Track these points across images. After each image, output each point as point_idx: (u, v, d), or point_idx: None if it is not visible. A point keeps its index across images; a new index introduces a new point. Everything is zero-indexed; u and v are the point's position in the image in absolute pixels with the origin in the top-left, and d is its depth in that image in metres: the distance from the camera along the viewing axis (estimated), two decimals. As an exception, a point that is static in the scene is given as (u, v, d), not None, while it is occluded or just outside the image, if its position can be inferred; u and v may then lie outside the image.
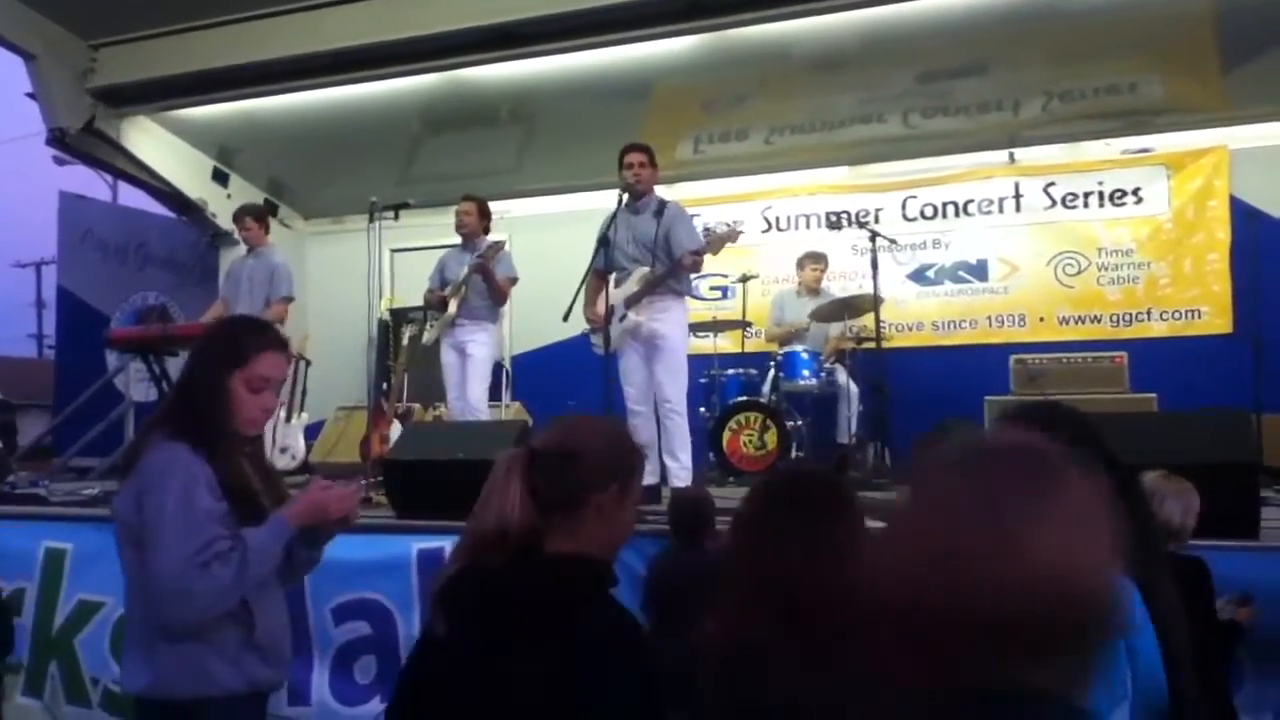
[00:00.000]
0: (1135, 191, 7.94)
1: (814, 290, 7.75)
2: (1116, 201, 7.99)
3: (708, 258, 5.86)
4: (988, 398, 6.06)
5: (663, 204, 5.94)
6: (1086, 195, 8.05)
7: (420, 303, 7.06)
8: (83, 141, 8.18)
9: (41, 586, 4.84)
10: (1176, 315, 7.73)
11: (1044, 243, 8.13)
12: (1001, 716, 0.92)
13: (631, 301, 5.72)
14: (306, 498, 2.47)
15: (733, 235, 5.93)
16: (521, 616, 1.67)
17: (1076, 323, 7.96)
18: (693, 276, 6.15)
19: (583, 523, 1.73)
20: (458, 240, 6.93)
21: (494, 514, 1.70)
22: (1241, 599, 3.16)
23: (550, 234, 8.41)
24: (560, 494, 1.72)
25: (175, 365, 7.12)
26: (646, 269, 5.77)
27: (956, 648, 0.91)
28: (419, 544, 4.29)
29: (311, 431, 8.01)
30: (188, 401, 2.49)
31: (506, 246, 6.83)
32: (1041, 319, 8.05)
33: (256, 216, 7.40)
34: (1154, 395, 6.33)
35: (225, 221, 8.87)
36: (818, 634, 1.49)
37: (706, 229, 6.74)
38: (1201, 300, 7.67)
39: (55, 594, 4.82)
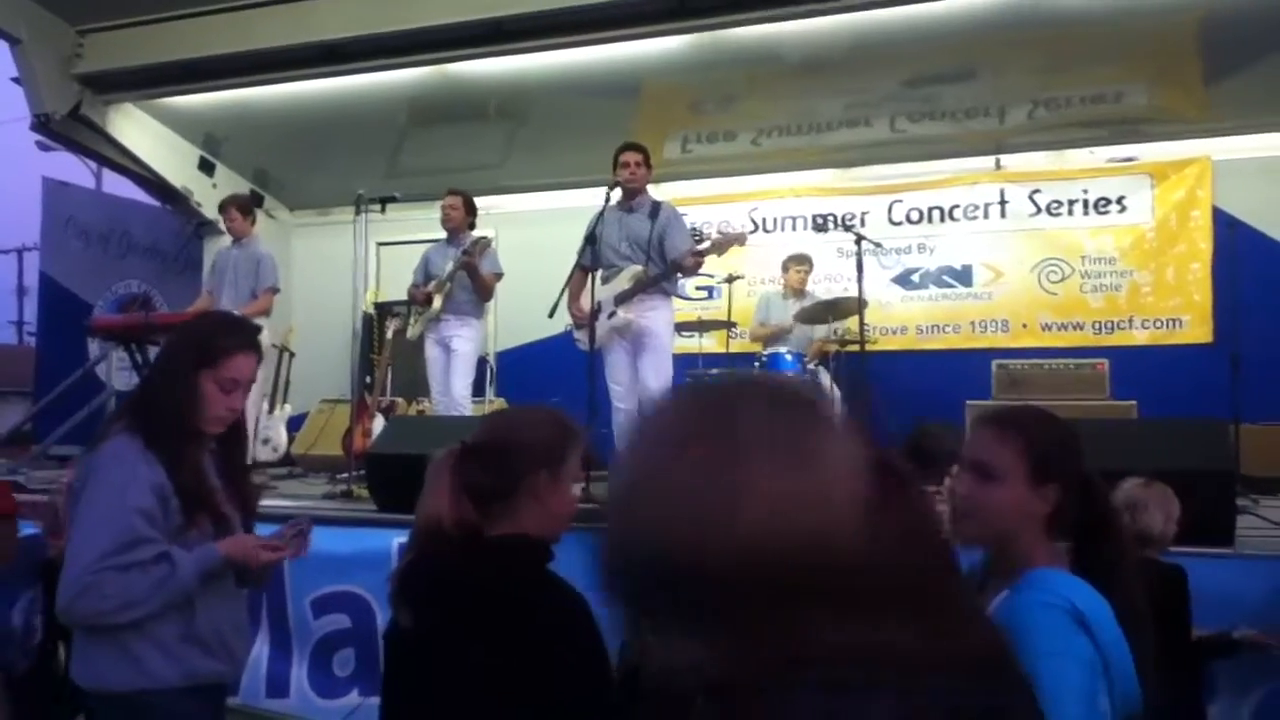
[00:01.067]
0: (1119, 200, 7.99)
1: (799, 292, 7.78)
2: (1101, 210, 8.04)
3: (709, 262, 5.91)
4: (969, 402, 6.08)
5: (657, 205, 5.97)
6: (1071, 203, 8.10)
7: (405, 296, 7.05)
8: (68, 127, 8.12)
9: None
10: (1158, 324, 7.79)
11: (1028, 249, 8.18)
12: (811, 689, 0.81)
13: (622, 299, 5.73)
14: (240, 542, 2.45)
15: (740, 238, 5.98)
16: (465, 601, 1.77)
17: (1059, 329, 8.01)
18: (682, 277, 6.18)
19: (519, 508, 1.85)
20: (443, 234, 6.93)
21: (430, 509, 1.82)
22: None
23: (536, 230, 8.42)
24: (492, 485, 1.84)
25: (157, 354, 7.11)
26: (639, 267, 5.79)
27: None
28: (399, 538, 4.29)
29: (295, 423, 7.98)
30: (151, 397, 2.46)
31: (492, 242, 6.83)
32: (1024, 325, 8.10)
33: (241, 207, 7.36)
34: (1134, 403, 6.38)
35: (210, 211, 8.83)
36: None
37: (694, 229, 6.76)
38: (1183, 309, 7.73)
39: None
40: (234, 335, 2.52)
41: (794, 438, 0.86)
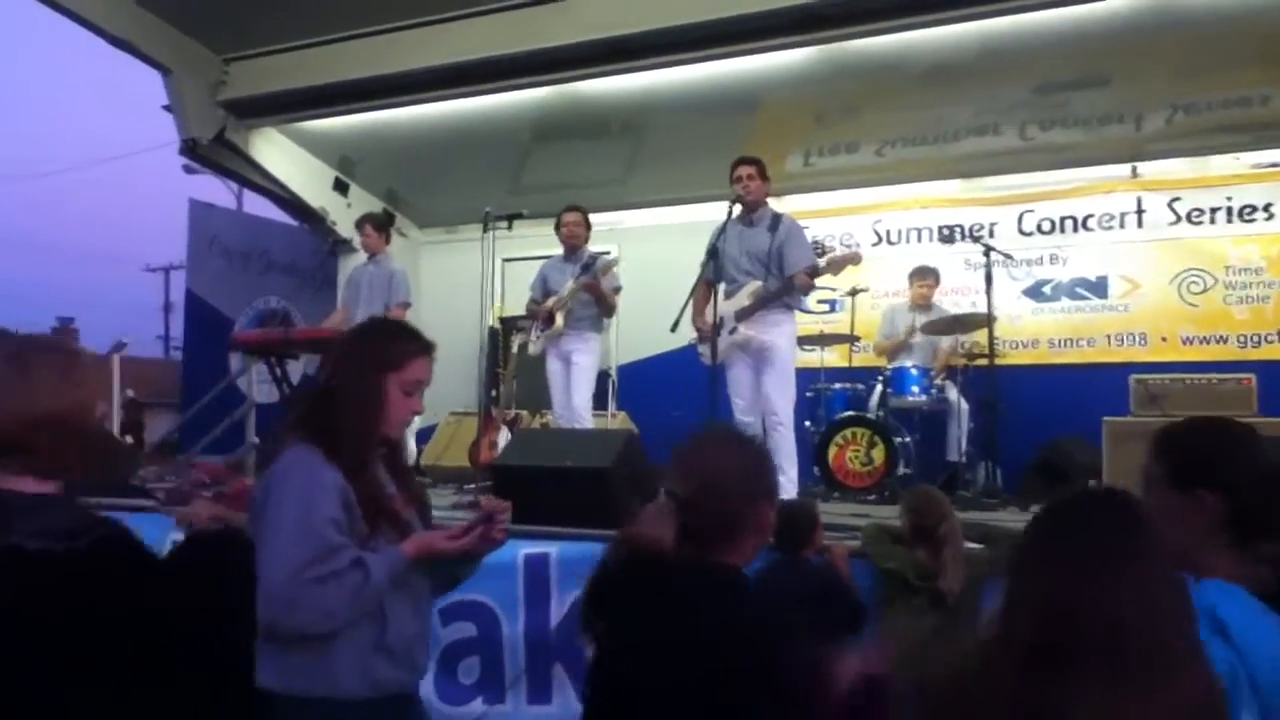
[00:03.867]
0: (1266, 207, 7.62)
1: (924, 306, 7.64)
2: (1245, 218, 7.68)
3: (829, 276, 5.85)
4: (1105, 418, 5.86)
5: (777, 218, 5.93)
6: (1213, 211, 7.76)
7: (525, 311, 7.17)
8: (212, 151, 8.53)
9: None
10: (1309, 336, 7.40)
11: (1167, 259, 7.86)
12: None
13: (743, 315, 5.71)
14: (422, 539, 2.42)
15: (855, 258, 5.90)
16: (667, 618, 1.77)
17: (1201, 343, 7.68)
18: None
19: (740, 539, 1.90)
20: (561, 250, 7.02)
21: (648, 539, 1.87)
22: None
23: (658, 245, 8.46)
24: (715, 530, 1.87)
25: (295, 368, 7.36)
26: (759, 283, 5.76)
27: None
28: (525, 549, 4.33)
29: (423, 435, 8.18)
30: (331, 405, 2.41)
31: (613, 257, 6.89)
32: (1164, 338, 7.79)
33: (377, 225, 7.63)
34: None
35: (345, 230, 9.16)
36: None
37: (816, 242, 6.70)
38: (1335, 321, 7.32)
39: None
40: (413, 339, 2.53)
41: None
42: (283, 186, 9.08)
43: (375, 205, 9.48)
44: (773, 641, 1.79)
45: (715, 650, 1.72)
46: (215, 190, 20.13)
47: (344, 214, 9.31)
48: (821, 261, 5.84)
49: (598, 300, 6.65)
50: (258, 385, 8.01)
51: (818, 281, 5.92)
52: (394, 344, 2.48)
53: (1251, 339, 7.56)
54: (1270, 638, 1.62)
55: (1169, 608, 1.46)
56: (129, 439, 9.54)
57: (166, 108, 8.30)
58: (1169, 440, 1.85)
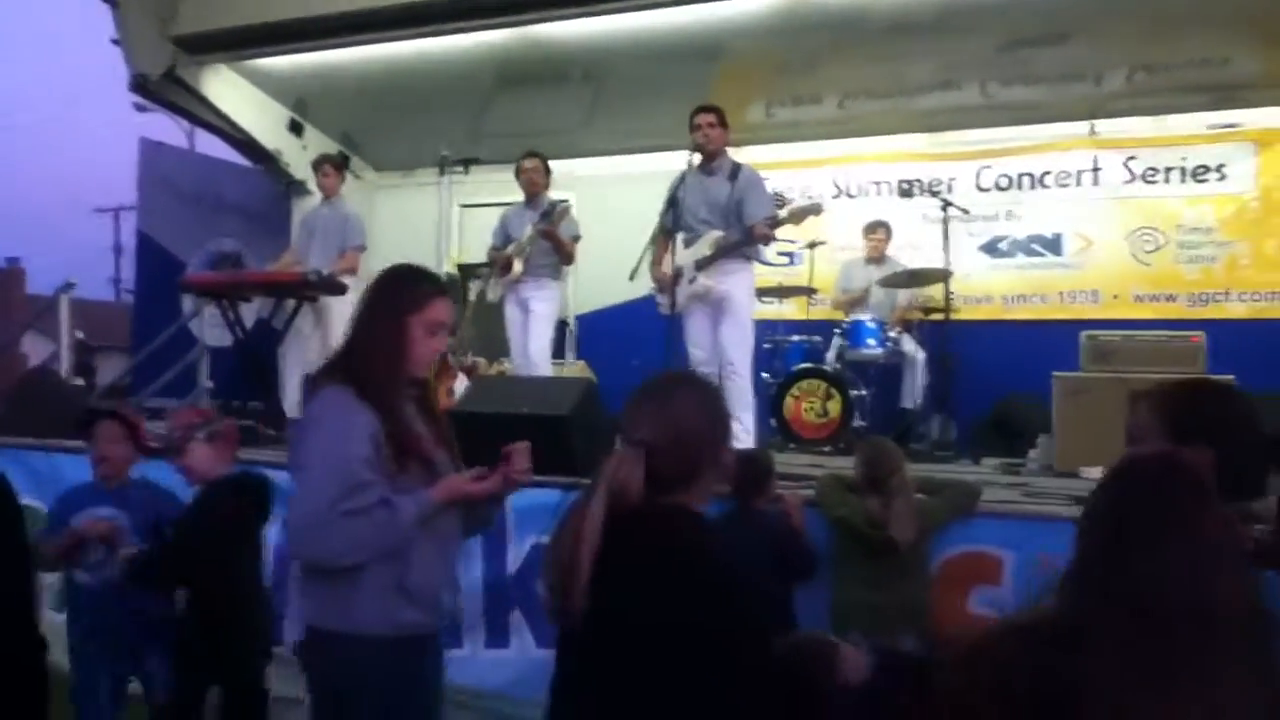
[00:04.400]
0: (1219, 168, 7.71)
1: (877, 259, 7.69)
2: (1199, 178, 7.77)
3: (789, 228, 5.83)
4: (1055, 374, 5.94)
5: (737, 167, 5.89)
6: (1168, 170, 7.84)
7: (487, 259, 7.11)
8: (163, 88, 8.32)
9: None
10: (1256, 297, 7.53)
11: (1121, 218, 7.95)
12: None
13: (702, 265, 5.70)
14: (449, 483, 2.52)
15: (816, 208, 5.89)
16: (641, 563, 1.78)
17: (1151, 300, 7.79)
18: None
19: (702, 483, 1.90)
20: (522, 197, 6.96)
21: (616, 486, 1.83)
22: None
23: (617, 194, 8.39)
24: (682, 475, 1.86)
25: (249, 311, 7.26)
26: (719, 233, 5.74)
27: None
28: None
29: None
30: (361, 346, 2.54)
31: (572, 206, 6.84)
32: (1115, 296, 7.89)
33: (336, 165, 7.52)
34: (1231, 377, 6.16)
35: (299, 171, 9.01)
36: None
37: (775, 194, 6.69)
38: (1284, 282, 7.45)
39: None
40: (433, 281, 2.66)
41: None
42: (236, 126, 8.88)
43: (330, 147, 9.30)
44: (744, 583, 1.83)
45: (693, 592, 1.74)
46: (169, 132, 19.70)
47: (298, 155, 9.15)
48: (782, 212, 5.84)
49: (556, 247, 6.60)
50: (210, 328, 7.90)
51: (777, 233, 5.91)
52: (415, 287, 2.59)
53: (1200, 298, 7.68)
54: None
55: (1221, 591, 1.37)
56: (79, 381, 9.38)
57: (115, 41, 8.07)
58: (1166, 398, 1.91)
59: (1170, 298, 7.75)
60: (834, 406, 6.78)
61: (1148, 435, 1.86)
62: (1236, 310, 7.55)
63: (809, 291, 7.69)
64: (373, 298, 2.62)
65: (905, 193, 8.37)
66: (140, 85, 8.18)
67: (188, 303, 8.92)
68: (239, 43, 8.16)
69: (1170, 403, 1.90)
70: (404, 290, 2.58)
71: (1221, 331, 6.82)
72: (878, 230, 7.76)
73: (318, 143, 9.32)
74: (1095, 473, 3.86)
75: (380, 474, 2.40)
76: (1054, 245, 8.13)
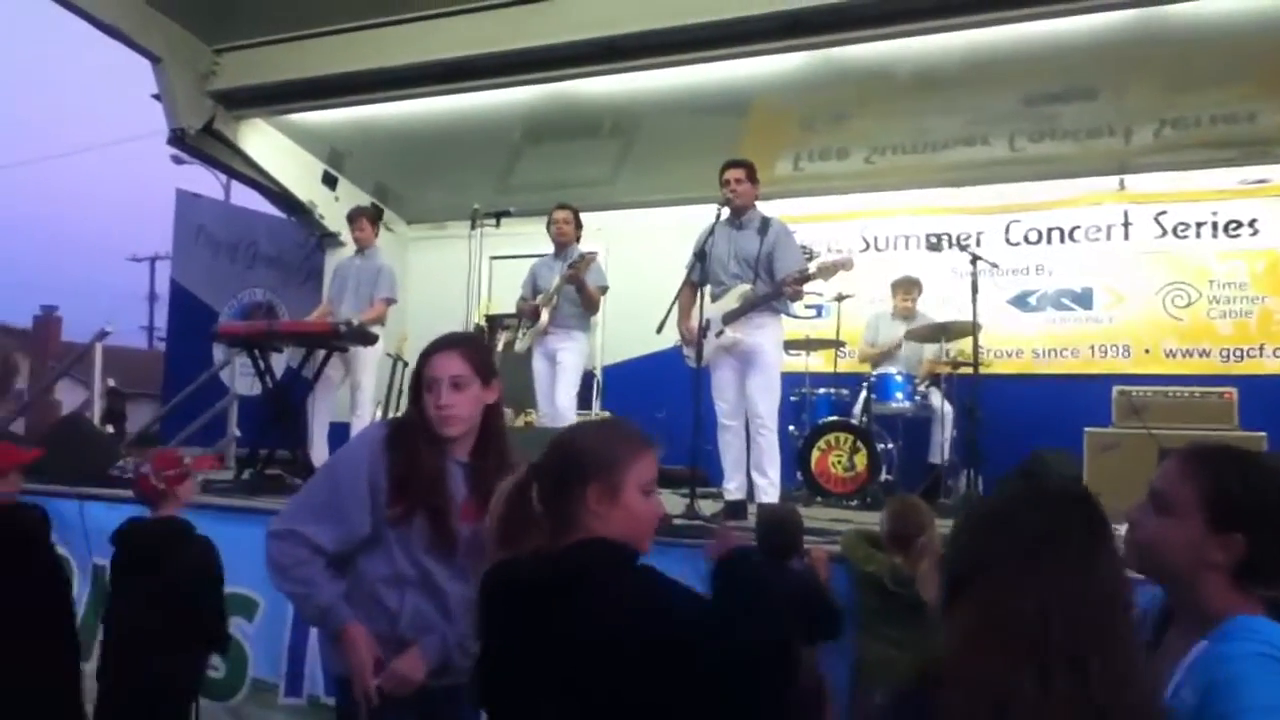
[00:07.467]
0: (1251, 223, 7.68)
1: (906, 316, 7.66)
2: (1231, 233, 7.73)
3: (818, 282, 5.83)
4: (1087, 429, 5.88)
5: (766, 221, 5.88)
6: (1199, 225, 7.81)
7: (515, 310, 7.15)
8: (201, 142, 8.48)
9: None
10: (1291, 353, 7.45)
11: (1153, 272, 7.91)
12: None
13: (730, 318, 5.69)
14: (364, 647, 2.49)
15: (847, 263, 5.85)
16: (549, 601, 1.75)
17: (1184, 356, 7.73)
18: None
19: (580, 524, 1.81)
20: (551, 249, 7.01)
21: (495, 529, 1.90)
22: None
23: (646, 246, 8.45)
24: (548, 503, 1.85)
25: (279, 360, 7.33)
26: (747, 286, 5.72)
27: None
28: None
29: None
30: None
31: (601, 257, 6.88)
32: (1147, 350, 7.84)
33: (371, 218, 7.59)
34: (1264, 434, 6.08)
35: (333, 223, 9.14)
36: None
37: (804, 247, 6.70)
38: (1318, 338, 7.37)
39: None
40: (432, 342, 2.70)
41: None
42: (271, 178, 9.04)
43: (364, 199, 9.44)
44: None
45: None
46: (203, 181, 20.07)
47: (332, 208, 9.29)
48: (812, 266, 5.81)
49: (580, 291, 6.62)
50: (240, 377, 7.97)
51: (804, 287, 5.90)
52: (425, 351, 2.66)
53: (1234, 353, 7.61)
54: None
55: (1090, 618, 1.40)
56: (110, 428, 9.48)
57: (156, 96, 8.25)
58: (1210, 472, 1.66)
59: (1203, 353, 7.69)
60: (861, 460, 6.74)
61: (1178, 508, 1.66)
62: (1270, 366, 7.47)
63: (837, 345, 7.67)
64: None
65: (933, 246, 8.38)
66: (179, 139, 8.35)
67: (219, 352, 9.03)
68: (277, 98, 8.34)
69: (1215, 480, 1.65)
70: (421, 362, 2.68)
71: (1254, 387, 6.75)
72: (911, 288, 7.74)
73: (351, 195, 9.46)
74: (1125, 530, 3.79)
75: (369, 513, 2.51)
76: (1084, 299, 8.09)
